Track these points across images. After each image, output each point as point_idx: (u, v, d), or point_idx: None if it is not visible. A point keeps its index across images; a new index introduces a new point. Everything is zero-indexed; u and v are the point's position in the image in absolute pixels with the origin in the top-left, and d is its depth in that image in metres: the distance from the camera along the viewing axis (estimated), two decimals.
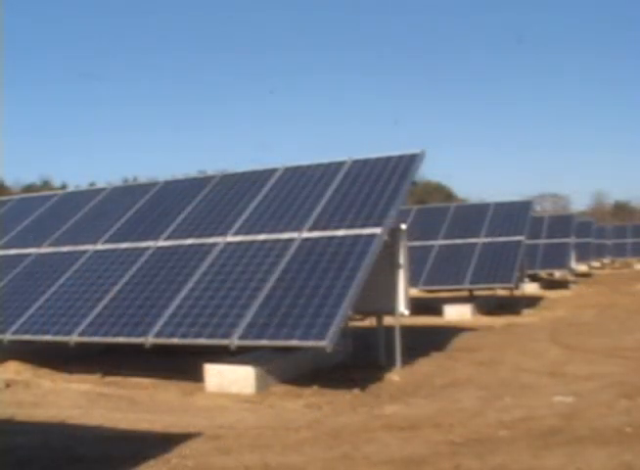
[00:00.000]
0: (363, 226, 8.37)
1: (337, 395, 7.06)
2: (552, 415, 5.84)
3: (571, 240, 25.12)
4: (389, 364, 8.41)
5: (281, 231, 8.86)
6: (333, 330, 6.85)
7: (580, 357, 9.05)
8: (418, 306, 12.04)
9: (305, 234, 8.63)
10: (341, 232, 8.43)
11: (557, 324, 13.19)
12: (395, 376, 7.99)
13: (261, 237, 8.87)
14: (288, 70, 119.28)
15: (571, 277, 26.36)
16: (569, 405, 6.26)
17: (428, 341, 10.63)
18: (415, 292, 15.92)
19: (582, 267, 31.57)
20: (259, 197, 9.88)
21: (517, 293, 17.23)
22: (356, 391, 7.22)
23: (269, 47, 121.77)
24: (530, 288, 21.14)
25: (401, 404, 6.63)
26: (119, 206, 11.29)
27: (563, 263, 24.19)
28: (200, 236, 9.42)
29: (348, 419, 6.04)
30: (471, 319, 14.77)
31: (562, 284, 24.09)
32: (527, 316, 15.06)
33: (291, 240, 8.60)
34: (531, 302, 17.52)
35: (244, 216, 9.50)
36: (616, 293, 20.54)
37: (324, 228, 8.62)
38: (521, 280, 17.26)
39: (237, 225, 9.34)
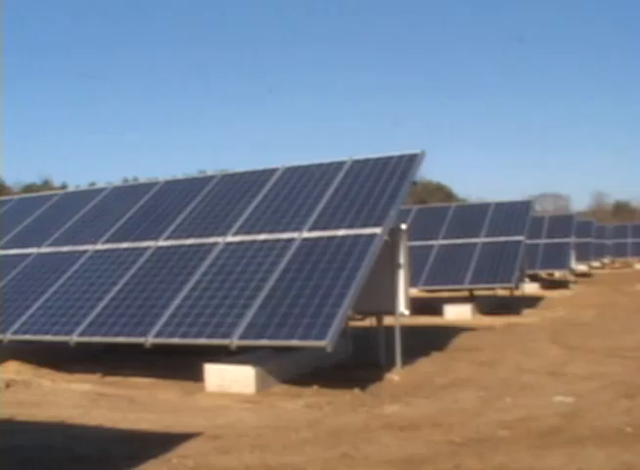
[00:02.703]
0: (363, 226, 8.37)
1: (337, 395, 7.06)
2: (552, 415, 5.84)
3: (572, 240, 25.14)
4: (389, 364, 8.40)
5: (281, 231, 8.86)
6: (333, 330, 6.85)
7: (581, 357, 9.05)
8: (418, 306, 12.04)
9: (306, 234, 8.63)
10: (341, 232, 8.43)
11: (557, 324, 13.19)
12: (395, 376, 7.99)
13: (261, 237, 8.87)
14: (287, 69, 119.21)
15: (571, 277, 26.33)
16: (569, 405, 6.26)
17: (428, 341, 10.62)
18: (415, 292, 15.91)
19: (582, 267, 31.56)
20: (259, 197, 9.88)
21: (517, 293, 17.24)
22: (356, 391, 7.22)
23: (269, 46, 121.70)
24: (530, 288, 21.14)
25: (401, 404, 6.62)
26: (119, 206, 11.28)
27: (563, 263, 24.20)
28: (200, 236, 9.42)
29: (348, 419, 6.04)
30: (471, 319, 14.76)
31: (562, 284, 24.10)
32: (528, 316, 15.06)
33: (291, 240, 8.60)
34: (531, 302, 17.52)
35: (244, 216, 9.50)
36: (616, 293, 20.55)
37: (324, 228, 8.62)
38: (521, 280, 17.28)
39: (237, 225, 9.34)
